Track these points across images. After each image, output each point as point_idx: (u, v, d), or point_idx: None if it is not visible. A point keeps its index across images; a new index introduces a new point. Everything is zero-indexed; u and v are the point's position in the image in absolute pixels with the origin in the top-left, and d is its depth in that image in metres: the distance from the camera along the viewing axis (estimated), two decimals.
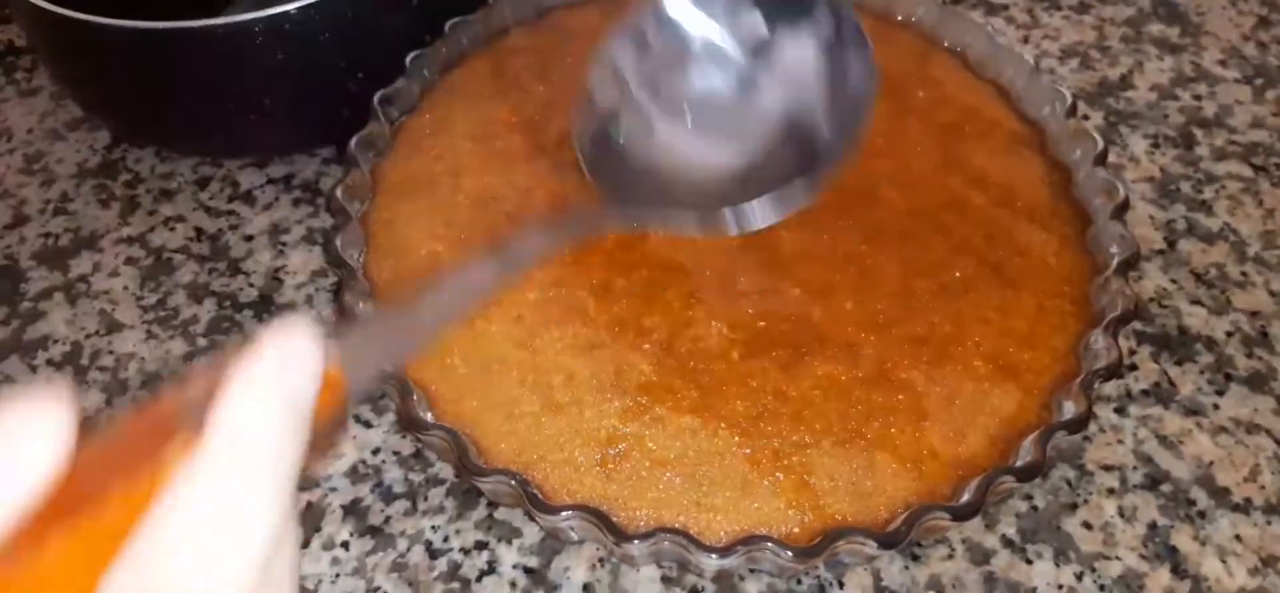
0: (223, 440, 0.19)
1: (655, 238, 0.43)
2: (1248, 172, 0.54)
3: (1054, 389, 0.39)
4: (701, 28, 0.41)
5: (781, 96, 0.40)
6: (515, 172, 0.46)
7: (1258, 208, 0.52)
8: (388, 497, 0.42)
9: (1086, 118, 0.54)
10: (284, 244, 0.52)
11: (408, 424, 0.39)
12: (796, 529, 0.37)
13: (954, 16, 0.52)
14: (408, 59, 0.49)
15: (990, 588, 0.39)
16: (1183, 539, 0.41)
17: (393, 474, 0.43)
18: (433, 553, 0.41)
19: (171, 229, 0.53)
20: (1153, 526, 0.41)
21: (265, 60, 0.48)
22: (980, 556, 0.40)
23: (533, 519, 0.40)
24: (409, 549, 0.41)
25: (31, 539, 0.17)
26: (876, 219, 0.44)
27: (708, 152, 0.40)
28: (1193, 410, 0.44)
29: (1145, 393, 0.45)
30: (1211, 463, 0.43)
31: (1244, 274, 0.49)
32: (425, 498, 0.42)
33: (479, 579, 0.40)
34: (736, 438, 0.38)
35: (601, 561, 0.40)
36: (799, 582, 0.39)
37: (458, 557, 0.40)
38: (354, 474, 0.43)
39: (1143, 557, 0.40)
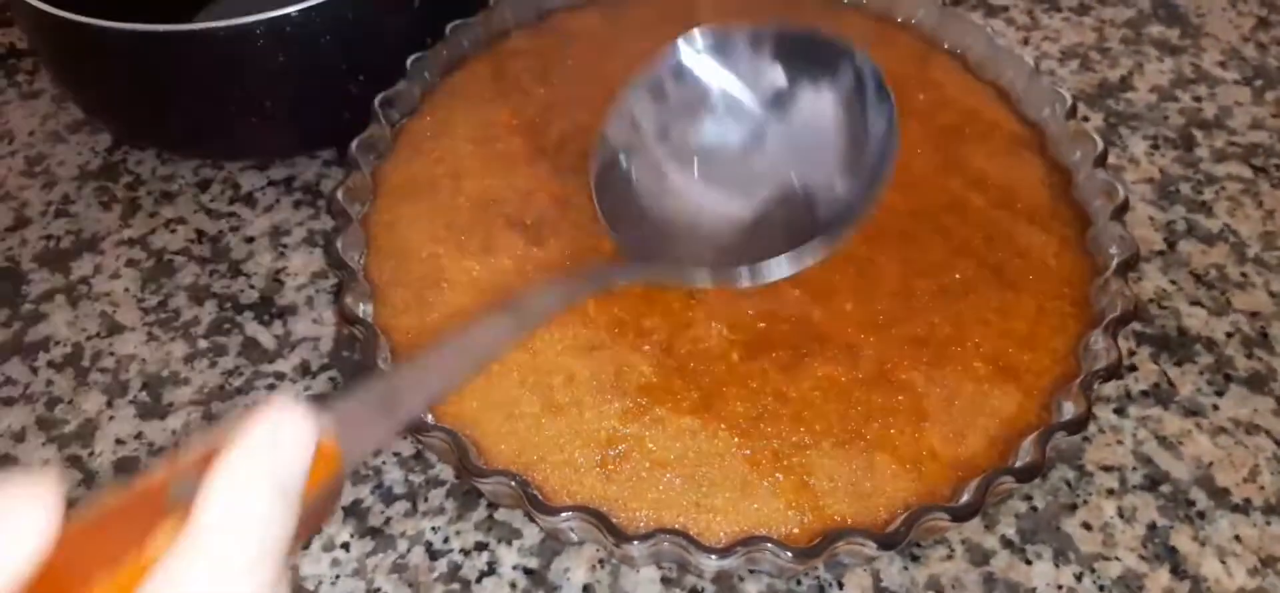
0: (209, 527, 0.19)
1: None
2: (1247, 173, 0.54)
3: (1054, 390, 0.39)
4: (720, 80, 0.41)
5: (799, 149, 0.40)
6: (516, 174, 0.46)
7: (1257, 209, 0.52)
8: (388, 498, 0.42)
9: (1086, 119, 0.54)
10: (285, 246, 0.52)
11: (408, 426, 0.39)
12: (796, 530, 0.37)
13: (954, 18, 0.52)
14: (408, 61, 0.49)
15: (990, 589, 0.39)
16: (1182, 540, 0.41)
17: (393, 475, 0.43)
18: (433, 554, 0.41)
19: (173, 231, 0.53)
20: (1152, 526, 0.41)
21: (266, 63, 0.48)
22: (980, 556, 0.40)
23: (533, 520, 0.40)
24: (409, 551, 0.41)
25: None
26: (876, 220, 0.44)
27: (722, 202, 0.40)
28: (1192, 411, 0.44)
29: (1145, 394, 0.45)
30: (1211, 464, 0.43)
31: (1244, 275, 0.49)
32: (425, 499, 0.42)
33: (479, 580, 0.40)
34: (736, 439, 0.38)
35: (601, 562, 0.40)
36: (798, 582, 0.39)
37: (458, 558, 0.41)
38: (354, 476, 0.43)
39: (1142, 557, 0.40)
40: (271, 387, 0.46)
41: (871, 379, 0.39)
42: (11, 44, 0.64)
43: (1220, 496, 0.42)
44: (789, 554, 0.35)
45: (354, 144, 0.46)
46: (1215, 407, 0.44)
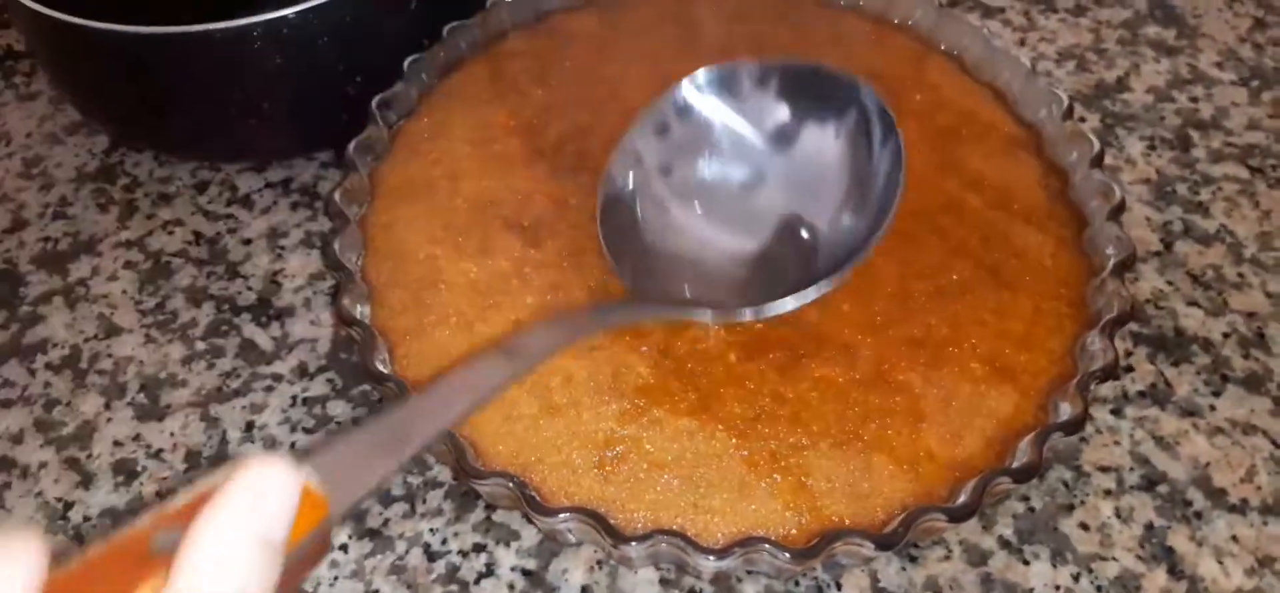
0: (193, 578, 0.19)
1: None
2: (1244, 173, 0.54)
3: (1050, 391, 0.39)
4: (725, 117, 0.41)
5: (804, 186, 0.41)
6: (513, 175, 0.46)
7: (1254, 209, 0.52)
8: (386, 499, 0.42)
9: (1083, 120, 0.54)
10: (282, 248, 0.52)
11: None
12: (794, 531, 0.37)
13: (951, 19, 0.52)
14: (406, 63, 0.49)
15: (987, 589, 0.39)
16: (1179, 540, 0.41)
17: None
18: (431, 555, 0.41)
19: (170, 233, 0.53)
20: (1149, 526, 0.41)
21: (263, 65, 0.48)
22: (977, 557, 0.40)
23: (530, 521, 0.40)
24: (407, 552, 0.41)
25: None
26: None
27: (727, 238, 0.41)
28: (1189, 412, 0.44)
29: (1142, 394, 0.45)
30: (1208, 464, 0.43)
31: (1240, 275, 0.49)
32: (423, 500, 0.42)
33: (477, 582, 0.40)
34: (734, 440, 0.38)
35: (599, 563, 0.40)
36: (796, 583, 0.39)
37: (456, 559, 0.41)
38: None
39: (1139, 558, 0.40)
40: (269, 388, 0.46)
41: (869, 380, 0.39)
42: (9, 46, 0.64)
43: (1217, 496, 0.42)
44: (787, 555, 0.35)
45: (351, 146, 0.46)
46: (1212, 407, 0.45)
